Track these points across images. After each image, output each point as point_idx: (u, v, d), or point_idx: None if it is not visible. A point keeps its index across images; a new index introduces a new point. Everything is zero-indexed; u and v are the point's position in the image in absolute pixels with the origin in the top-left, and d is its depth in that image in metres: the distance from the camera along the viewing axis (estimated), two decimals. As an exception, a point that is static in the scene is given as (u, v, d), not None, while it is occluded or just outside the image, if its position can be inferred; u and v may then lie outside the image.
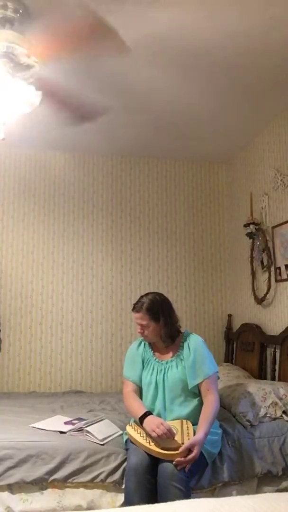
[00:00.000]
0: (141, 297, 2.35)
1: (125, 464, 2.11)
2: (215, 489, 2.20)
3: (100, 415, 2.62)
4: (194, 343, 2.28)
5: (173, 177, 4.21)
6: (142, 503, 1.81)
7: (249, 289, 3.69)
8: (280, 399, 2.55)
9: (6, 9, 2.03)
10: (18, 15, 2.07)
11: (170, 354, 2.31)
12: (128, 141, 3.80)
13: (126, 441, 2.21)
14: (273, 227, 3.33)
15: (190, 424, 2.14)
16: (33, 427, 2.39)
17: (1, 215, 3.85)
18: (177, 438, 2.02)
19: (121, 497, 2.08)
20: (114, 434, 2.33)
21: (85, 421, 2.42)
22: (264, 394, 2.56)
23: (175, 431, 2.05)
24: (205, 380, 2.19)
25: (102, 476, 2.11)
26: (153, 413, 2.17)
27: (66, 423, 2.45)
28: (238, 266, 3.97)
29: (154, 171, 4.18)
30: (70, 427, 2.37)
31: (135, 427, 2.16)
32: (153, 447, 2.00)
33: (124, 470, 2.10)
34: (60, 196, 3.98)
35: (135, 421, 2.22)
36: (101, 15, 2.08)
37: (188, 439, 2.00)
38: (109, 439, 2.27)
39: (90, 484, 2.12)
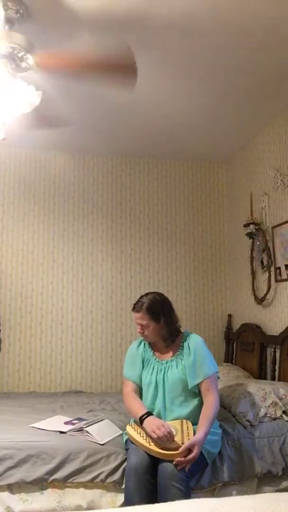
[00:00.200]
0: (141, 297, 2.35)
1: (125, 464, 2.11)
2: (215, 489, 2.20)
3: (100, 415, 2.62)
4: (194, 343, 2.28)
5: (173, 177, 4.22)
6: (142, 503, 1.81)
7: (249, 289, 3.69)
8: (280, 399, 2.55)
9: (7, 9, 2.03)
10: (19, 15, 2.07)
11: (170, 354, 2.31)
12: (128, 141, 3.80)
13: (126, 441, 2.21)
14: (273, 227, 3.33)
15: (190, 424, 2.14)
16: (33, 427, 2.39)
17: (1, 215, 3.85)
18: (177, 438, 2.02)
19: (121, 497, 2.08)
20: (114, 434, 2.33)
21: (85, 421, 2.42)
22: (264, 394, 2.56)
23: (175, 432, 2.05)
24: (205, 380, 2.19)
25: (102, 476, 2.11)
26: (153, 413, 2.17)
27: (66, 423, 2.45)
28: (238, 266, 3.97)
29: (154, 171, 4.18)
30: (70, 427, 2.37)
31: (135, 427, 2.16)
32: (153, 447, 2.00)
33: (124, 470, 2.10)
34: (60, 196, 3.98)
35: (135, 421, 2.22)
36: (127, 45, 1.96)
37: (188, 439, 2.00)
38: (109, 439, 2.27)
39: (90, 484, 2.12)
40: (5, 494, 2.07)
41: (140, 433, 2.10)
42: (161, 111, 3.23)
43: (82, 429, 2.31)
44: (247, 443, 2.33)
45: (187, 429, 2.09)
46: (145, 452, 2.02)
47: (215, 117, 3.33)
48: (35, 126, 2.62)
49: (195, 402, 2.22)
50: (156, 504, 1.58)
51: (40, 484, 2.09)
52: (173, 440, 2.00)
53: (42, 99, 2.13)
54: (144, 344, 2.40)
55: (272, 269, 3.30)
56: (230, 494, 2.16)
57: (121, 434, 2.33)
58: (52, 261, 3.88)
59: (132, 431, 2.13)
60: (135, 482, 1.95)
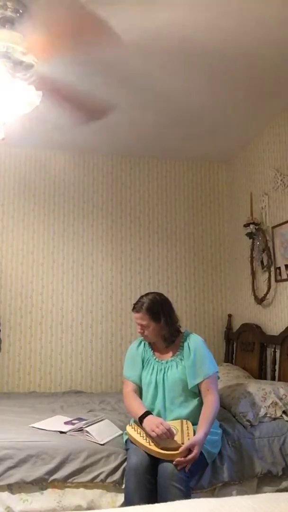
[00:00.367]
0: (141, 297, 2.35)
1: (125, 464, 2.11)
2: (215, 489, 2.20)
3: (100, 415, 2.62)
4: (194, 343, 2.28)
5: (173, 177, 4.21)
6: (142, 503, 1.81)
7: (249, 289, 3.69)
8: (280, 399, 2.55)
9: (6, 9, 2.03)
10: (18, 15, 2.07)
11: (170, 354, 2.31)
12: (128, 141, 3.80)
13: (126, 441, 2.21)
14: (273, 227, 3.33)
15: (190, 424, 2.14)
16: (33, 427, 2.39)
17: (1, 215, 3.85)
18: (177, 438, 2.02)
19: (121, 497, 2.08)
20: (114, 434, 2.33)
21: (85, 421, 2.42)
22: (264, 394, 2.56)
23: (175, 431, 2.05)
24: (205, 380, 2.19)
25: (102, 476, 2.11)
26: (153, 413, 2.17)
27: (66, 423, 2.45)
28: (238, 266, 3.97)
29: (154, 171, 4.18)
30: (70, 427, 2.37)
31: (135, 427, 2.16)
32: (153, 447, 2.00)
33: (124, 470, 2.10)
34: (60, 196, 3.98)
35: (135, 421, 2.22)
36: (92, 9, 2.09)
37: (188, 439, 2.00)
38: (109, 439, 2.27)
39: (90, 484, 2.12)
40: (5, 494, 2.06)
41: (140, 433, 2.10)
42: (161, 111, 3.22)
43: (82, 429, 2.31)
44: (247, 443, 2.33)
45: (187, 429, 2.09)
46: (145, 452, 2.01)
47: (215, 117, 3.33)
48: (81, 122, 2.74)
49: (195, 402, 2.22)
50: (156, 504, 1.58)
51: (40, 484, 2.09)
52: (173, 440, 2.00)
53: (68, 89, 2.18)
54: (144, 344, 2.40)
55: (272, 269, 3.30)
56: (230, 494, 2.16)
57: (121, 434, 2.33)
58: (52, 261, 3.88)
59: (132, 431, 2.13)
60: (135, 482, 1.95)
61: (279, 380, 2.99)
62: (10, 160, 3.93)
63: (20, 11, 2.07)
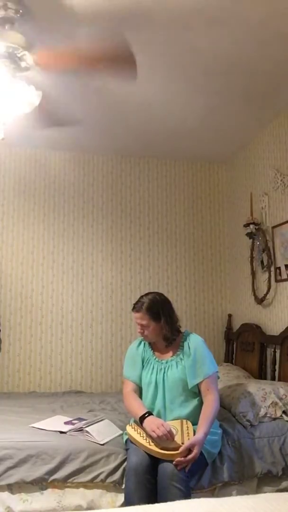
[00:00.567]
0: (141, 297, 2.35)
1: (125, 464, 2.11)
2: (215, 489, 2.20)
3: (100, 415, 2.62)
4: (194, 342, 2.28)
5: (173, 177, 4.21)
6: (142, 503, 1.81)
7: (249, 289, 3.69)
8: (280, 399, 2.55)
9: (6, 9, 2.03)
10: (19, 15, 2.07)
11: (170, 353, 2.31)
12: (128, 141, 3.80)
13: (126, 441, 2.21)
14: (273, 227, 3.33)
15: (190, 424, 2.14)
16: (33, 427, 2.39)
17: (1, 215, 3.85)
18: (177, 438, 2.02)
19: (121, 497, 2.08)
20: (114, 434, 2.33)
21: (85, 421, 2.42)
22: (264, 394, 2.56)
23: (175, 432, 2.05)
24: (205, 380, 2.19)
25: (102, 476, 2.11)
26: (153, 413, 2.17)
27: (66, 423, 2.45)
28: (238, 266, 3.97)
29: (154, 171, 4.18)
30: (70, 427, 2.37)
31: (135, 427, 2.16)
32: (153, 447, 2.00)
33: (124, 470, 2.10)
34: (60, 196, 3.98)
35: (135, 421, 2.22)
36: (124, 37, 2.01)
37: (188, 439, 2.00)
38: (109, 439, 2.27)
39: (90, 484, 2.12)
40: (5, 494, 2.06)
41: (140, 433, 2.10)
42: (161, 110, 3.22)
43: (82, 429, 2.31)
44: (247, 443, 2.33)
45: (187, 429, 2.09)
46: (145, 452, 2.02)
47: (215, 117, 3.33)
48: (40, 125, 2.63)
49: (195, 402, 2.22)
50: (156, 504, 1.58)
51: (40, 484, 2.09)
52: (173, 440, 2.00)
53: (46, 99, 2.13)
54: (144, 344, 2.40)
55: (272, 269, 3.30)
56: (230, 494, 2.16)
57: (121, 434, 2.33)
58: (52, 261, 3.88)
59: (132, 431, 2.13)
60: (135, 482, 1.95)
61: (279, 380, 2.99)
62: (10, 160, 3.93)
63: (21, 11, 2.07)
